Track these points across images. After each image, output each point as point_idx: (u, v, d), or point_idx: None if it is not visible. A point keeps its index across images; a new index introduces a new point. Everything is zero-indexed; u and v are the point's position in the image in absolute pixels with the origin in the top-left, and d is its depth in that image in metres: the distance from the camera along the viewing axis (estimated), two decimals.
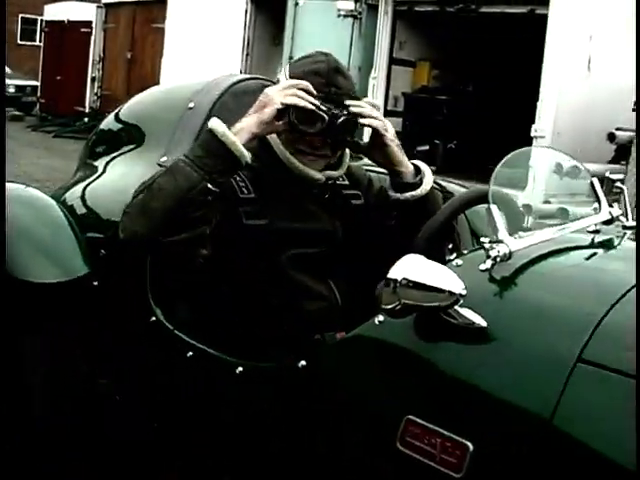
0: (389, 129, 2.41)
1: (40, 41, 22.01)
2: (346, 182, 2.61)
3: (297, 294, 2.36)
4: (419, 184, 2.44)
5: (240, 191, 2.38)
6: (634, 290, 1.74)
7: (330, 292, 2.41)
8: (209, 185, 2.17)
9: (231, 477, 2.27)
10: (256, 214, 2.36)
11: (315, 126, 2.29)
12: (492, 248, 1.85)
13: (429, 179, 2.47)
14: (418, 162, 2.51)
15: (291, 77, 2.38)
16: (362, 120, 2.34)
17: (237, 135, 2.20)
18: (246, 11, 14.44)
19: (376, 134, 2.40)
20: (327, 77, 2.34)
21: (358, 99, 2.40)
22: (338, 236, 2.48)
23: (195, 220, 2.19)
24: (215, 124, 2.21)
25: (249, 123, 2.25)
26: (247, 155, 2.20)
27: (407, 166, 2.46)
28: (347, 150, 2.54)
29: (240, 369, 2.12)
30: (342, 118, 2.30)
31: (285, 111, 2.26)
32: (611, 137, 8.61)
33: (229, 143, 2.18)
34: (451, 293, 1.70)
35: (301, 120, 2.28)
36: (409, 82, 11.84)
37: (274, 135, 2.42)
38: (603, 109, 9.10)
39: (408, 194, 2.43)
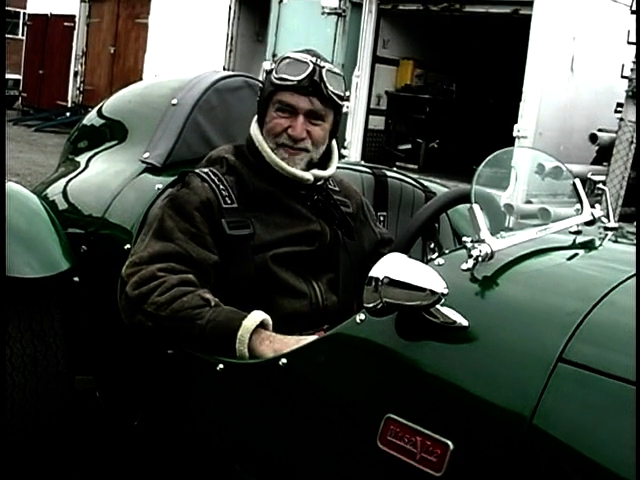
0: None
1: (23, 34, 21.82)
2: (337, 188, 2.62)
3: (279, 292, 2.35)
4: None
5: (224, 201, 2.38)
6: (615, 291, 1.74)
7: (313, 292, 2.41)
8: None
9: (212, 473, 2.27)
10: (239, 224, 2.37)
11: None
12: (474, 248, 1.85)
13: None
14: None
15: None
16: None
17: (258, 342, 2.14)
18: (230, 7, 14.42)
19: None
20: None
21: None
22: (325, 237, 2.48)
23: None
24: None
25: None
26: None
27: None
28: (335, 150, 2.55)
29: (221, 366, 2.11)
30: None
31: None
32: (593, 138, 8.63)
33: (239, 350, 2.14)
34: (433, 292, 1.70)
35: None
36: (392, 81, 11.81)
37: (259, 136, 2.43)
38: (586, 110, 9.13)
39: None
